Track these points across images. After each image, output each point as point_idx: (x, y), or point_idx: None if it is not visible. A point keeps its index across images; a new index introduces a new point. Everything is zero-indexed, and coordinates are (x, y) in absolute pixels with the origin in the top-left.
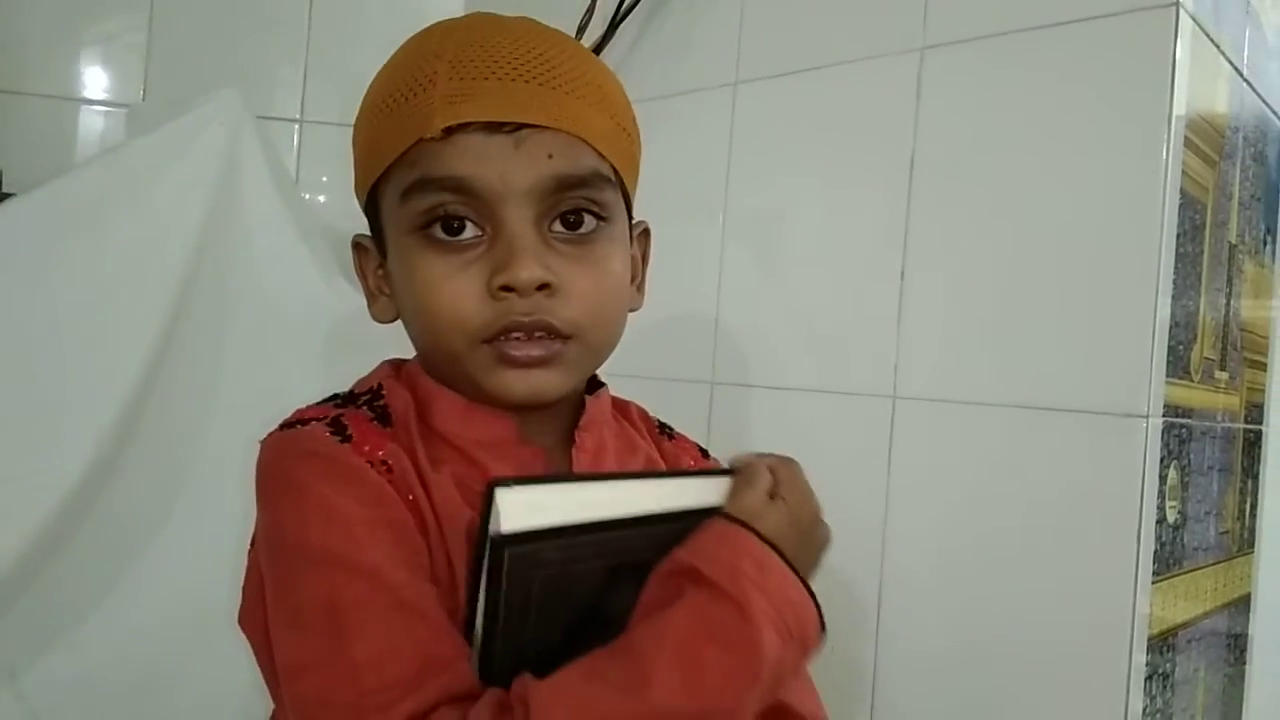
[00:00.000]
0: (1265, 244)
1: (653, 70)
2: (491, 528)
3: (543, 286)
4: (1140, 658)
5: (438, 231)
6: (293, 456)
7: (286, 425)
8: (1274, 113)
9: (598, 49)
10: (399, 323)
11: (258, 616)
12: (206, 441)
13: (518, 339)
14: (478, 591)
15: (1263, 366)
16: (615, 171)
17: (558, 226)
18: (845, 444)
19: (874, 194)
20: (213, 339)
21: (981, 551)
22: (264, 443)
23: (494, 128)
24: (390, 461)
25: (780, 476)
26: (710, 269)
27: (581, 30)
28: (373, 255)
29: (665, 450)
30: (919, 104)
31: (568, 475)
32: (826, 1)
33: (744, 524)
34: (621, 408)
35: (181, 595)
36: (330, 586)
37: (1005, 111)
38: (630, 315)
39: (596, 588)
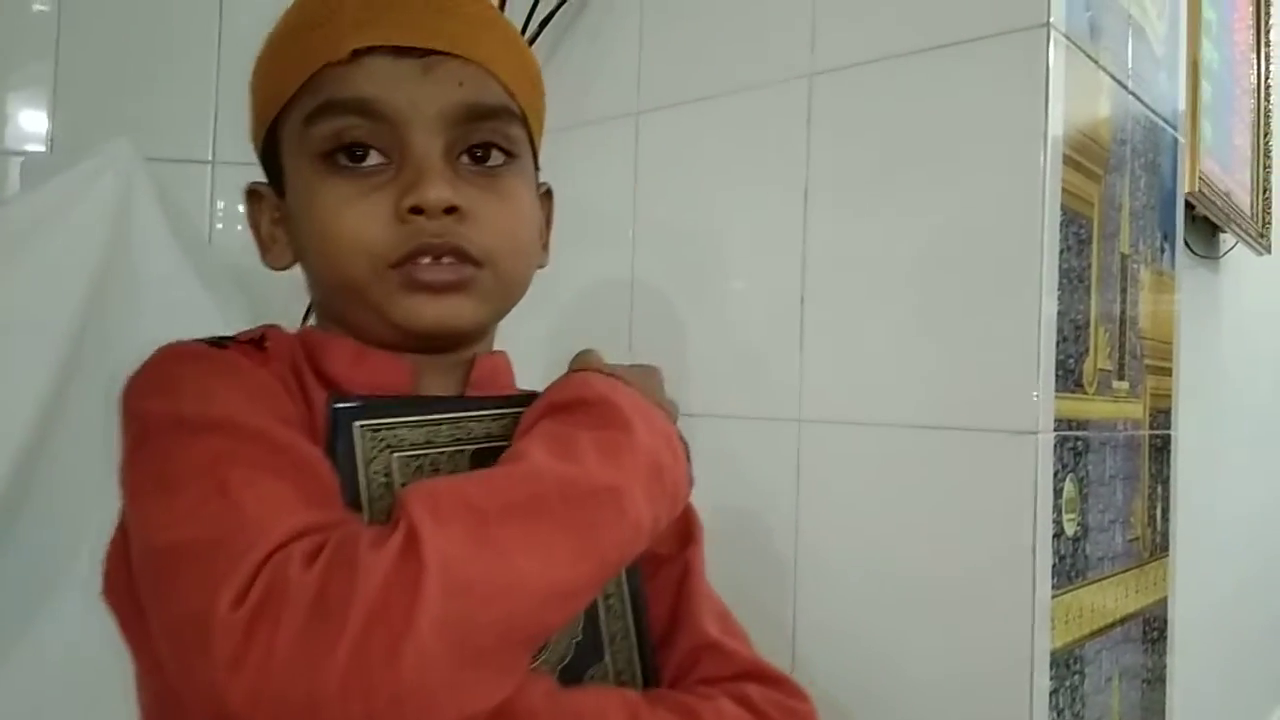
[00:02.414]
0: (1163, 251)
1: (558, 101)
2: (333, 405)
3: (452, 210)
4: (1043, 673)
5: (342, 158)
6: (165, 360)
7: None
8: (1165, 122)
9: None
10: None
11: (121, 579)
12: (101, 505)
13: (427, 263)
14: (344, 483)
15: (1167, 372)
16: (523, 114)
17: (465, 159)
18: (757, 468)
19: (772, 220)
20: (106, 395)
21: (887, 575)
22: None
23: (403, 52)
24: (275, 374)
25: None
26: (621, 298)
27: None
28: (269, 199)
29: None
30: (810, 130)
31: (412, 398)
32: (721, 31)
33: (603, 370)
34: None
35: (87, 639)
36: (208, 449)
37: (892, 135)
38: (545, 343)
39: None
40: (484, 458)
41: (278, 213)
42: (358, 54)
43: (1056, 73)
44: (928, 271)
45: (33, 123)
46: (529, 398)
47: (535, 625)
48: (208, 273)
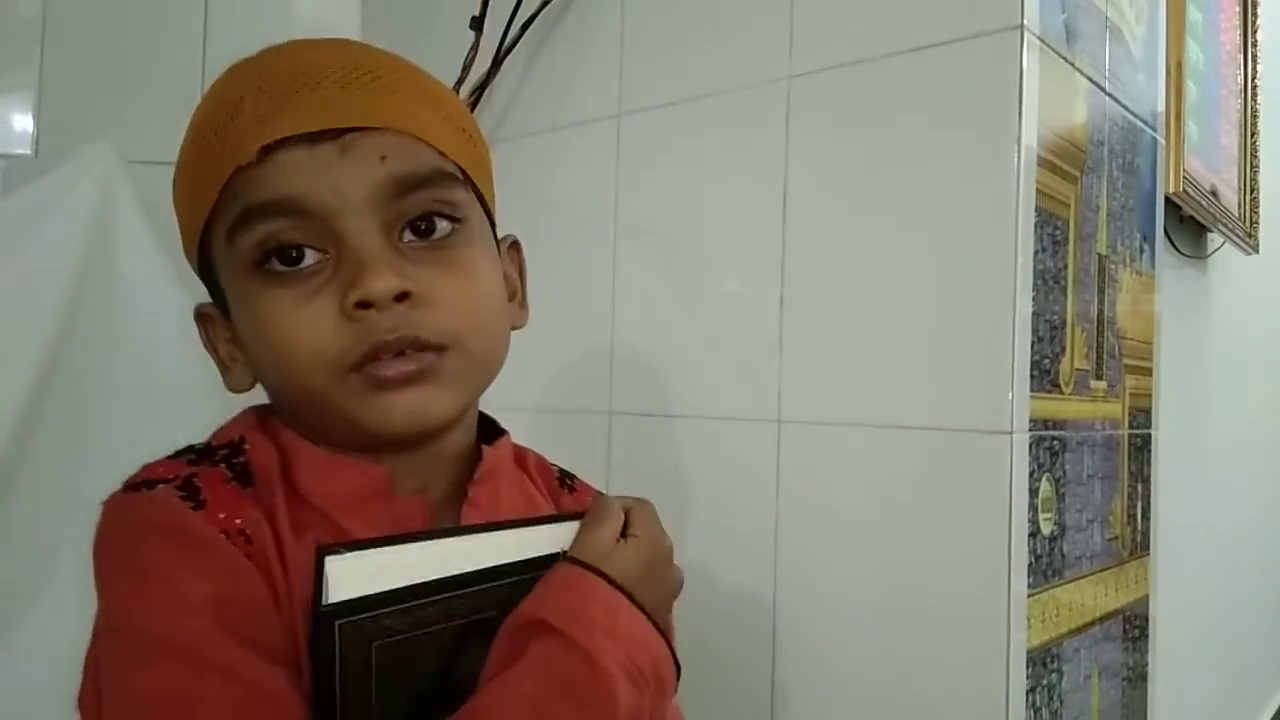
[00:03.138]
0: (1142, 252)
1: (539, 105)
2: (321, 600)
3: (403, 296)
4: (1019, 671)
5: (275, 264)
6: (137, 529)
7: (131, 486)
8: (1143, 123)
9: (483, 85)
10: None
11: (94, 696)
12: (83, 505)
13: (387, 359)
14: (317, 675)
15: (1147, 372)
16: (462, 171)
17: (408, 235)
18: (737, 468)
19: (751, 222)
20: (92, 395)
21: (866, 574)
22: (106, 506)
23: (315, 138)
24: (249, 531)
25: (633, 517)
26: (603, 301)
27: (467, 67)
28: (219, 321)
29: (565, 506)
30: (788, 132)
31: (404, 535)
32: (701, 34)
33: (590, 567)
34: (519, 457)
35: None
36: (176, 681)
37: (869, 138)
38: (528, 348)
39: (445, 653)
40: (465, 632)
41: (229, 332)
42: (267, 150)
43: (1030, 75)
44: (904, 272)
45: (17, 126)
46: (527, 564)
47: None
48: (190, 276)
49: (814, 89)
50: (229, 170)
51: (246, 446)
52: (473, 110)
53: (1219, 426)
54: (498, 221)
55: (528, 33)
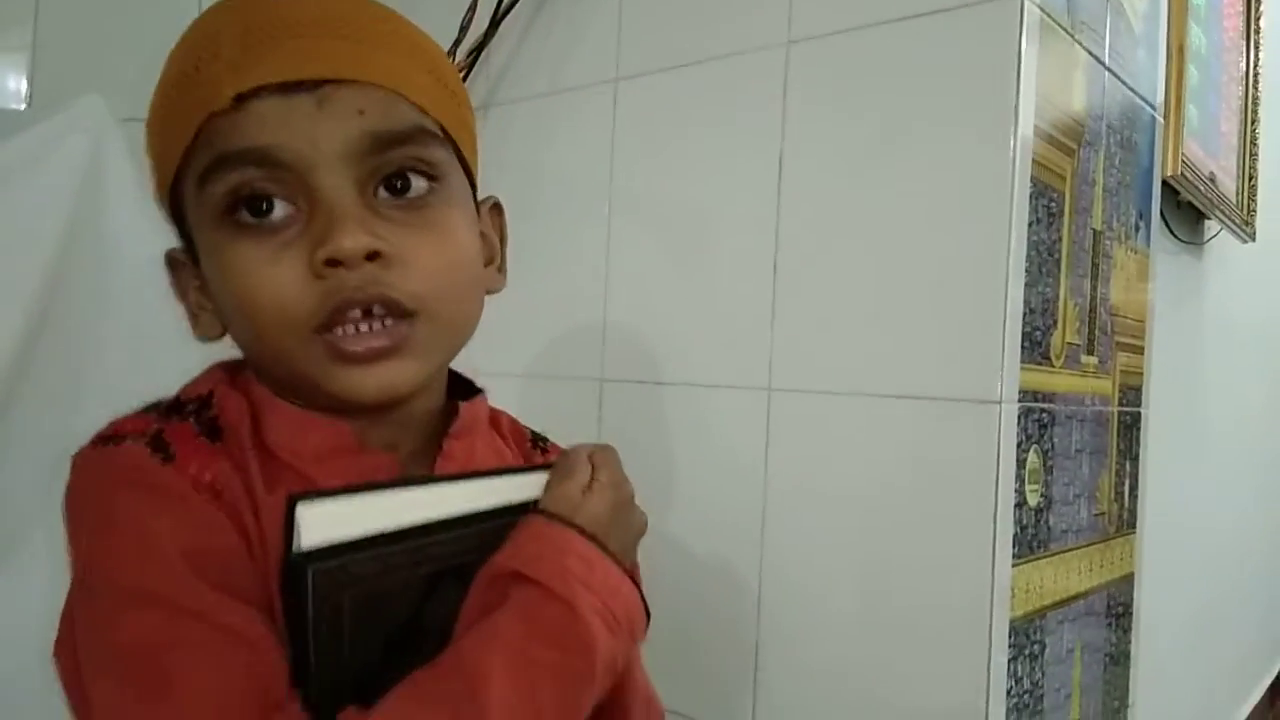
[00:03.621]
0: (1138, 230)
1: (537, 69)
2: (293, 547)
3: (374, 256)
4: (1002, 639)
5: (245, 215)
6: (106, 483)
7: (99, 440)
8: (1143, 99)
9: (480, 47)
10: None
11: (71, 650)
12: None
13: (354, 328)
14: (290, 621)
15: (1139, 350)
16: (443, 129)
17: (383, 193)
18: (727, 436)
19: (747, 188)
20: (82, 347)
21: (852, 540)
22: (75, 460)
23: (291, 88)
24: (219, 484)
25: (596, 463)
26: (597, 267)
27: (464, 29)
28: (188, 268)
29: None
30: (786, 99)
31: (375, 483)
32: None
33: (563, 519)
34: (492, 418)
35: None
36: (151, 628)
37: (866, 104)
38: (520, 314)
39: (416, 599)
40: (437, 579)
41: (197, 280)
42: (242, 98)
43: (1029, 45)
44: (897, 241)
45: (11, 84)
46: (495, 513)
47: None
48: None
49: (812, 55)
50: (202, 116)
51: (215, 401)
52: (469, 73)
53: (1213, 412)
54: (489, 184)
55: None
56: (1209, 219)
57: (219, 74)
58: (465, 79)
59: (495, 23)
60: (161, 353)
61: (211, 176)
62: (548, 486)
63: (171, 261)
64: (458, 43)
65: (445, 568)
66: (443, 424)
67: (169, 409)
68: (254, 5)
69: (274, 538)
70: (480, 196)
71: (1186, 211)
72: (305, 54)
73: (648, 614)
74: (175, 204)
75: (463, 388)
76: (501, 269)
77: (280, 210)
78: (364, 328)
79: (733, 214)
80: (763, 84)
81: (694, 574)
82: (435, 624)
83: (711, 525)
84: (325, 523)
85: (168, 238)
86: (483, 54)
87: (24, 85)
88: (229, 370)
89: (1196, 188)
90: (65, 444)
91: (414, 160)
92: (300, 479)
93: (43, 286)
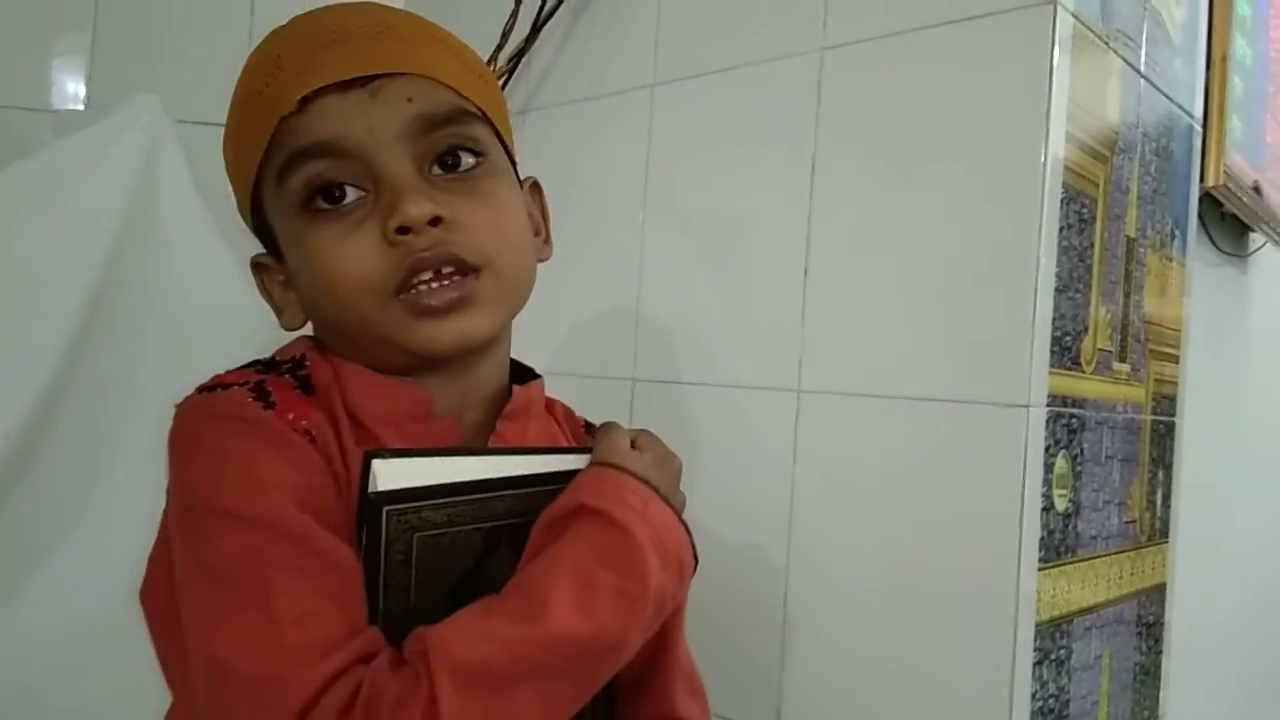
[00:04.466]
0: (1173, 238)
1: (576, 74)
2: (370, 489)
3: (437, 221)
4: (1027, 642)
5: (320, 203)
6: (214, 420)
7: (204, 389)
8: (1180, 108)
9: (520, 53)
10: None
11: (160, 590)
12: (121, 445)
13: (428, 286)
14: (365, 560)
15: (1174, 359)
16: (482, 111)
17: (437, 169)
18: (755, 436)
19: (780, 192)
20: (129, 343)
21: (879, 541)
22: (180, 407)
23: (347, 85)
24: (314, 431)
25: (638, 436)
26: (630, 268)
27: (505, 35)
28: (272, 268)
29: None
30: (820, 104)
31: (440, 448)
32: (737, 5)
33: (615, 465)
34: (548, 405)
35: (87, 599)
36: (254, 546)
37: (899, 110)
38: (555, 313)
39: (477, 552)
40: (497, 534)
41: (282, 276)
42: (305, 101)
43: (1062, 51)
44: (928, 244)
45: (70, 86)
46: (554, 475)
47: None
48: (234, 233)
49: (846, 61)
50: (274, 122)
51: (307, 362)
52: (509, 78)
53: (1254, 424)
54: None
55: (566, 1)
56: (1254, 231)
57: (284, 83)
58: (505, 84)
59: (536, 29)
60: (208, 345)
61: (287, 173)
62: (595, 445)
63: (256, 266)
64: (499, 48)
65: (504, 526)
66: (499, 405)
67: (267, 366)
68: (307, 22)
69: (357, 487)
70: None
71: (1230, 223)
72: (357, 56)
73: (695, 557)
74: (257, 213)
75: (524, 375)
76: (548, 240)
77: (351, 195)
78: (435, 285)
79: (765, 217)
80: (797, 89)
81: (722, 572)
82: (495, 577)
83: (740, 525)
84: (397, 474)
85: (216, 233)
86: (523, 60)
87: (82, 88)
88: (313, 340)
89: (1239, 199)
90: (114, 433)
91: (461, 138)
92: (373, 439)
93: (98, 280)
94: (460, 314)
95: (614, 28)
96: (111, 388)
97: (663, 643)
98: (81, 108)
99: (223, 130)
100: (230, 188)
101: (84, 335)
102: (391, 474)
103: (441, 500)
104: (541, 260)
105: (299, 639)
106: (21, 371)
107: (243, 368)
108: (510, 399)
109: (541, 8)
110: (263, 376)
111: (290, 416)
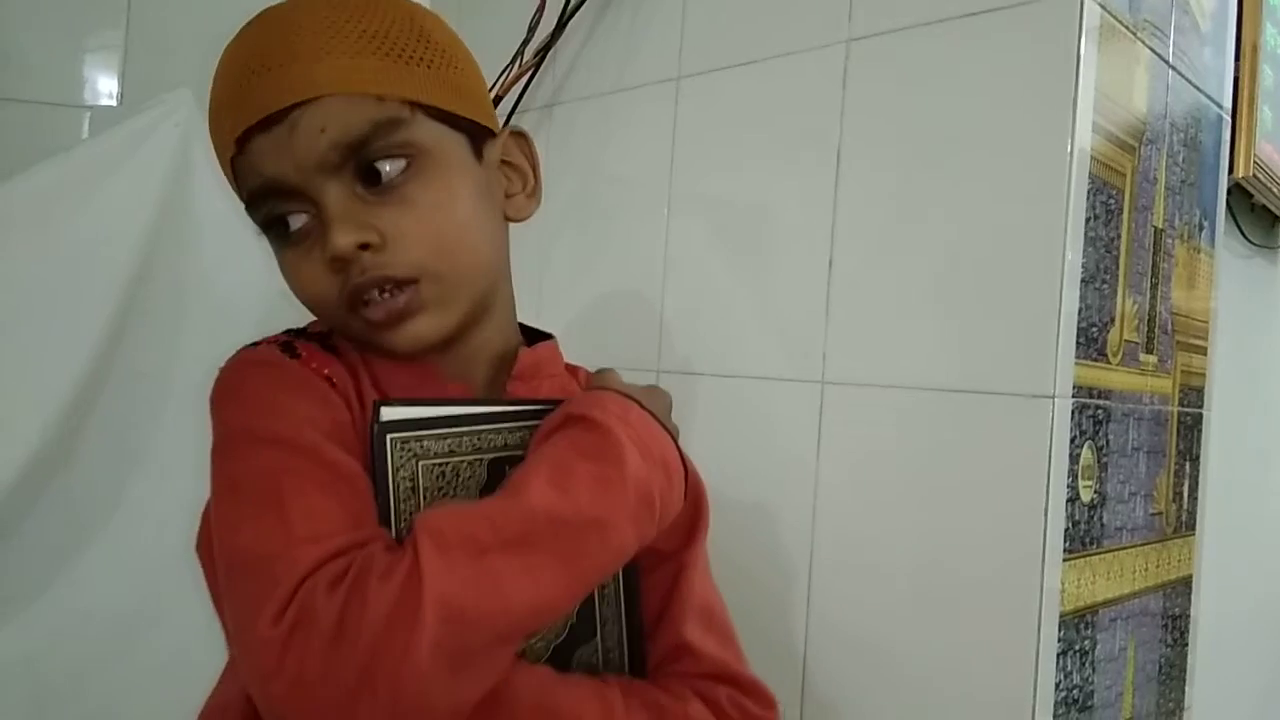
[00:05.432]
0: (1201, 229)
1: (602, 68)
2: (374, 422)
3: (365, 246)
4: (1050, 632)
5: (279, 230)
6: (243, 368)
7: (241, 349)
8: (1209, 99)
9: (547, 48)
10: None
11: (210, 543)
12: (157, 435)
13: (371, 301)
14: (376, 490)
15: (1202, 351)
16: (415, 104)
17: (360, 187)
18: (780, 428)
19: (805, 184)
20: (165, 334)
21: (903, 532)
22: (221, 367)
23: (267, 124)
24: (335, 379)
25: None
26: (656, 258)
27: (532, 29)
28: None
29: None
30: (845, 96)
31: (444, 398)
32: None
33: (600, 386)
34: (571, 370)
35: (127, 583)
36: (270, 459)
37: (925, 102)
38: (579, 305)
39: (483, 482)
40: (498, 465)
41: None
42: (240, 142)
43: (1089, 40)
44: (953, 236)
45: (104, 82)
46: (546, 409)
47: (520, 635)
48: None
49: (872, 52)
50: (228, 160)
51: (332, 333)
52: (535, 72)
53: None
54: (553, 180)
55: None
56: None
57: (224, 120)
58: (532, 78)
59: (562, 24)
60: (242, 338)
61: (249, 209)
62: (591, 380)
63: None
64: (525, 42)
65: (507, 458)
66: (510, 369)
67: (296, 332)
68: (240, 44)
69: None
70: (531, 172)
71: (1261, 215)
72: (271, 90)
73: (686, 469)
74: None
75: (537, 339)
76: (532, 195)
77: (298, 222)
78: (379, 298)
79: (789, 209)
80: (822, 81)
81: (745, 563)
82: None
83: (764, 517)
84: (399, 411)
85: (250, 229)
86: (549, 54)
87: (116, 84)
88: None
89: (1270, 190)
90: (150, 424)
91: (378, 153)
92: None
93: (132, 274)
94: (407, 322)
95: (639, 21)
96: (147, 379)
97: (678, 578)
98: (115, 104)
99: None
100: None
101: (120, 328)
102: (394, 410)
103: (442, 430)
104: (519, 219)
105: (305, 530)
106: (59, 364)
107: (277, 334)
108: (517, 362)
109: (567, 2)
110: (292, 338)
111: (313, 365)
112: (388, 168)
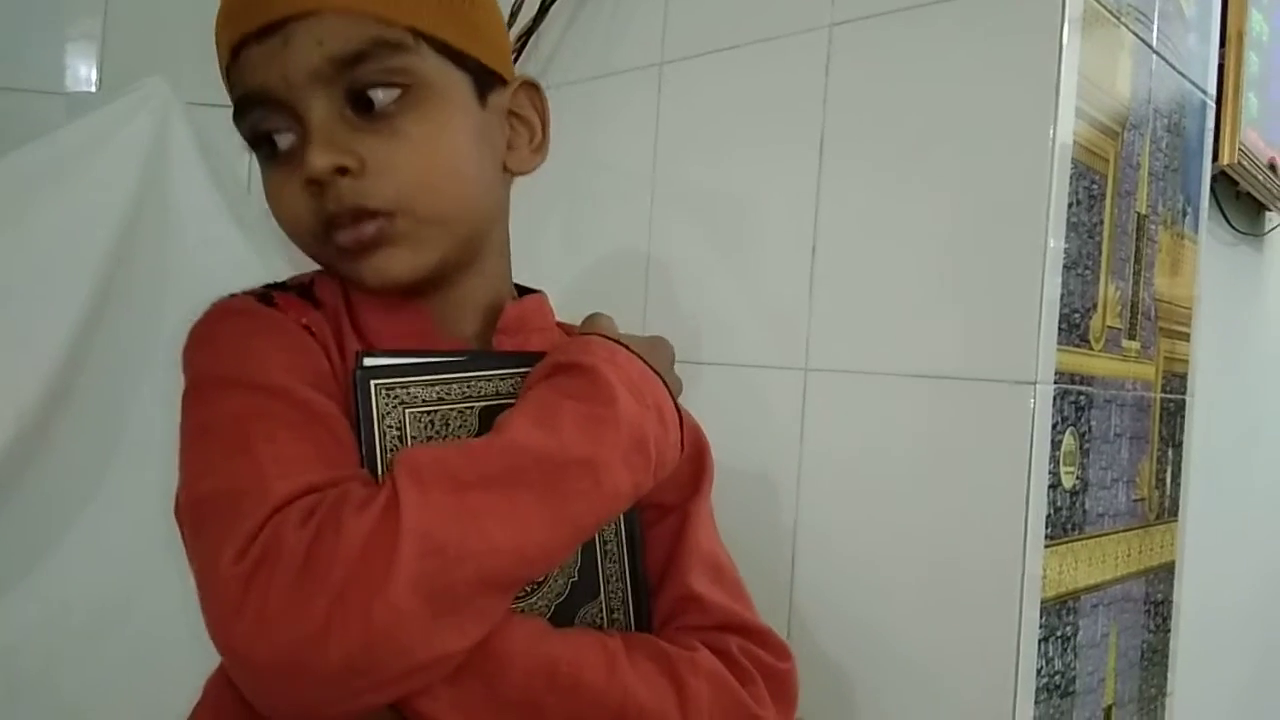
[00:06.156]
0: (1184, 215)
1: (584, 53)
2: (356, 368)
3: (344, 171)
4: (1032, 618)
5: (265, 148)
6: (216, 317)
7: (216, 301)
8: (1193, 84)
9: (529, 32)
10: None
11: None
12: (135, 422)
13: (344, 227)
14: (363, 440)
15: (1185, 337)
16: (420, 32)
17: (350, 112)
18: (764, 414)
19: (788, 170)
20: (142, 320)
21: (886, 518)
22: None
23: (263, 33)
24: (314, 329)
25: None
26: (639, 246)
27: (514, 14)
28: None
29: None
30: (828, 80)
31: (430, 350)
32: None
33: (588, 333)
34: (567, 329)
35: (103, 575)
36: (241, 403)
37: (907, 87)
38: (564, 293)
39: (473, 431)
40: (490, 414)
41: None
42: (235, 51)
43: (1072, 26)
44: (936, 222)
45: (82, 69)
46: (537, 357)
47: (508, 580)
48: (244, 213)
49: (854, 37)
50: (225, 73)
51: (314, 285)
52: (518, 56)
53: (1270, 405)
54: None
55: None
56: (1270, 210)
57: (224, 30)
58: (514, 63)
59: (544, 8)
60: None
61: (237, 120)
62: (582, 326)
63: None
64: (508, 26)
65: (497, 405)
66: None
67: (274, 285)
68: None
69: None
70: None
71: (1246, 202)
72: (272, 1)
73: (679, 413)
74: None
75: (519, 290)
76: (538, 149)
77: (284, 140)
78: (349, 227)
79: (772, 195)
80: (805, 66)
81: (728, 549)
82: None
83: (748, 502)
84: (385, 360)
85: (227, 214)
86: (532, 38)
87: (94, 71)
88: (325, 271)
89: (1255, 177)
90: (127, 411)
91: (373, 75)
92: None
93: (110, 260)
94: (374, 253)
95: (622, 7)
96: (124, 366)
97: (682, 529)
98: (94, 90)
99: None
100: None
101: (97, 315)
102: (378, 359)
103: (429, 377)
104: (521, 172)
105: (277, 470)
106: (35, 350)
107: (255, 287)
108: (502, 314)
109: None
110: (269, 290)
111: (290, 314)
112: (380, 95)
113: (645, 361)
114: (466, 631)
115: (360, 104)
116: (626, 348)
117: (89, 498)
